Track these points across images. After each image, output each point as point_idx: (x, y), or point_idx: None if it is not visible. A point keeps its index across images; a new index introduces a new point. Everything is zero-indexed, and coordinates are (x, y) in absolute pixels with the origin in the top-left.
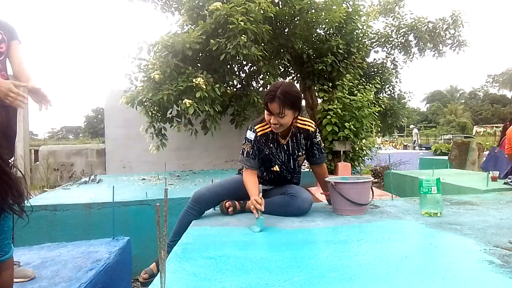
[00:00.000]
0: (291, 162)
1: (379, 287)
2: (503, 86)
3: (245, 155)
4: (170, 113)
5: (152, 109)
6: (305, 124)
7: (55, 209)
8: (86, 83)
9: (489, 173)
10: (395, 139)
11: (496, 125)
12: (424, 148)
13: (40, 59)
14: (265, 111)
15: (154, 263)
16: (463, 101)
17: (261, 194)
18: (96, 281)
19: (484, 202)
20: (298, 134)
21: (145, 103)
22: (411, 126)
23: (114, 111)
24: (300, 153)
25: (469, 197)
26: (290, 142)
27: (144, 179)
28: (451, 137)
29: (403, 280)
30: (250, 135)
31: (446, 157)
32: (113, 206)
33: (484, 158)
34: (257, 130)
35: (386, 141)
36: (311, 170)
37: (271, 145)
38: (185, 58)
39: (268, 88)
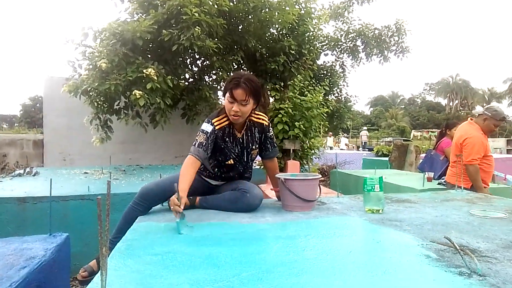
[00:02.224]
0: (245, 155)
1: (325, 280)
2: (438, 94)
3: (196, 145)
4: (118, 105)
5: (98, 100)
6: (259, 118)
7: None
8: (23, 69)
9: (425, 173)
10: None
11: (431, 130)
12: (367, 149)
13: None
14: (227, 99)
15: (95, 260)
16: (403, 106)
17: (182, 194)
18: (29, 279)
19: (421, 200)
20: (253, 128)
21: (90, 93)
22: (364, 128)
23: (55, 100)
24: (253, 147)
25: (408, 195)
26: (244, 135)
27: (86, 173)
28: (392, 139)
29: (348, 273)
30: (207, 127)
31: (387, 158)
32: (50, 200)
33: (421, 160)
34: (215, 123)
35: (337, 143)
36: (261, 167)
37: (227, 138)
38: (135, 48)
39: (230, 76)
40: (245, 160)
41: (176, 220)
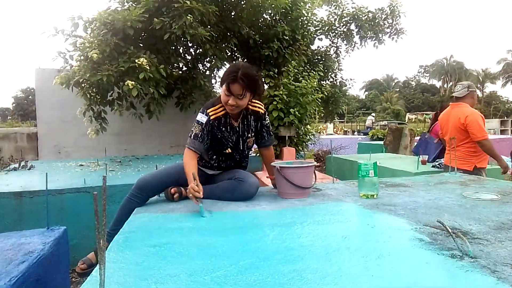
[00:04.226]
0: (241, 144)
1: (320, 266)
2: (433, 76)
3: (192, 137)
4: (111, 96)
5: (90, 91)
6: (255, 106)
7: None
8: (13, 60)
9: (419, 157)
10: (336, 124)
11: (426, 112)
12: (362, 134)
13: None
14: (224, 92)
15: (93, 252)
16: (398, 89)
17: (196, 181)
18: (29, 274)
19: (414, 184)
20: (249, 116)
21: (82, 84)
22: (372, 114)
23: (47, 92)
24: (249, 135)
25: (402, 179)
26: (241, 124)
27: (82, 165)
28: (386, 123)
29: (342, 259)
30: (202, 118)
31: (382, 142)
32: (46, 194)
33: (415, 143)
34: (210, 114)
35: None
36: (257, 154)
37: (223, 128)
38: (126, 37)
39: (227, 68)
40: (241, 148)
41: (200, 204)
